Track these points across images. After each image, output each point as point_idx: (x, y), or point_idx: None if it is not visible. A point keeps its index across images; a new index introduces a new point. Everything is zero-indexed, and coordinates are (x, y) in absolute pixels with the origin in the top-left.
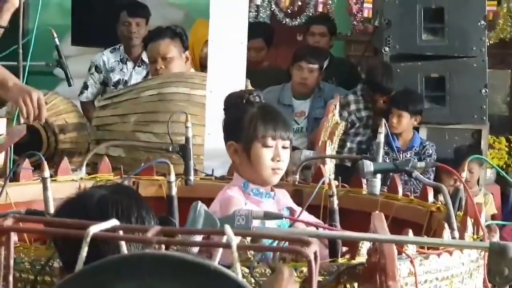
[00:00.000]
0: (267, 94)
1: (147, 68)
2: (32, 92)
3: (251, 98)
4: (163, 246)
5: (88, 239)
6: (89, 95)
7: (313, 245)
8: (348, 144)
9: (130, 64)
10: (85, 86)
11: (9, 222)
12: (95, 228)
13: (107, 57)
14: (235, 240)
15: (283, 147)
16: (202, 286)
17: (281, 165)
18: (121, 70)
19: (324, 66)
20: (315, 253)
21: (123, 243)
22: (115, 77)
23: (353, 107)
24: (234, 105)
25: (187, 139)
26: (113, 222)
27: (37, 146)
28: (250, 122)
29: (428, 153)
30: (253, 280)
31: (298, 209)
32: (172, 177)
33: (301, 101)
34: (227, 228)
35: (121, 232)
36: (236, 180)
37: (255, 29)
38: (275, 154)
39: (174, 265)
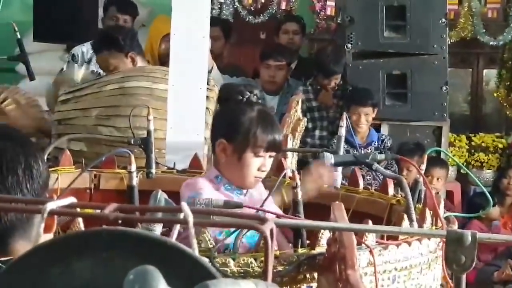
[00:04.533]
0: (243, 82)
1: None
2: None
3: (251, 97)
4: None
5: (45, 215)
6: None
7: (270, 222)
8: (309, 140)
9: None
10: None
11: None
12: (52, 205)
13: (86, 48)
14: (192, 217)
15: (270, 156)
16: (159, 261)
17: (264, 174)
18: (96, 62)
19: (293, 65)
20: (271, 230)
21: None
22: (90, 68)
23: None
24: (233, 101)
25: (148, 132)
26: (70, 200)
27: None
28: (248, 127)
29: (387, 146)
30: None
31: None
32: (133, 167)
33: (271, 97)
34: (184, 205)
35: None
36: (210, 173)
37: (211, 20)
38: (262, 164)
39: (130, 241)
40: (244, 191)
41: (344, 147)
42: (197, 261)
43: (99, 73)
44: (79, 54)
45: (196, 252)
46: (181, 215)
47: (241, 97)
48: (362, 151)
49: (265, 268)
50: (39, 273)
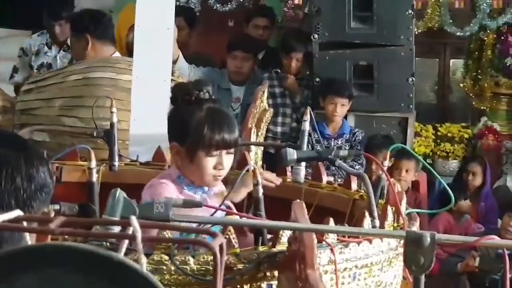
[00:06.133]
0: (209, 72)
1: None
2: None
3: (200, 95)
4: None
5: None
6: (18, 79)
7: (219, 237)
8: (271, 127)
9: (55, 49)
10: (15, 70)
11: None
12: None
13: (34, 41)
14: (140, 232)
15: (227, 153)
16: (106, 277)
17: (223, 172)
18: (45, 53)
19: (260, 55)
20: (220, 246)
21: (26, 233)
22: (39, 60)
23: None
24: (181, 102)
25: (111, 124)
26: (17, 213)
27: None
28: (196, 128)
29: (358, 139)
30: (173, 268)
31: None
32: (93, 163)
33: (238, 87)
34: (133, 219)
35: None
36: (172, 172)
37: (175, 9)
38: (218, 163)
39: (77, 256)
40: (206, 189)
41: (315, 137)
42: (145, 277)
43: (49, 63)
44: (27, 48)
45: (144, 268)
46: (130, 230)
47: (189, 97)
48: (333, 142)
49: (214, 284)
50: None
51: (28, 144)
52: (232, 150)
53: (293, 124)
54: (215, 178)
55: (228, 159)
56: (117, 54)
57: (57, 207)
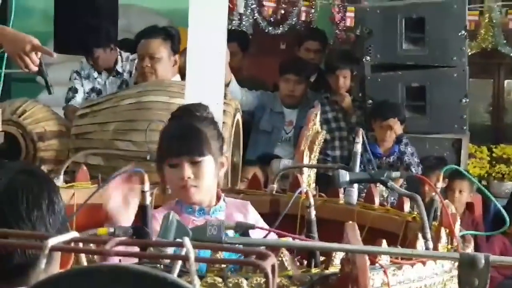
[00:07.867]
0: (262, 96)
1: (121, 77)
2: (26, 44)
3: (175, 113)
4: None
5: (47, 251)
6: (79, 99)
7: (271, 258)
8: (330, 152)
9: (104, 74)
10: (74, 90)
11: None
12: (54, 240)
13: (84, 65)
14: (193, 253)
15: (192, 163)
16: None
17: (191, 182)
18: (95, 78)
19: (312, 77)
20: (272, 266)
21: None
22: (89, 85)
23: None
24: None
25: None
26: (72, 234)
27: (15, 154)
28: (158, 145)
29: (409, 151)
30: None
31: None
32: (146, 186)
33: (291, 110)
34: (186, 240)
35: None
36: (173, 197)
37: (229, 34)
38: (181, 173)
39: (131, 277)
40: (208, 210)
41: (366, 157)
42: None
43: (99, 89)
44: (80, 71)
45: None
46: (183, 251)
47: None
48: (384, 160)
49: None
50: None
51: (44, 172)
52: (198, 159)
53: (351, 146)
54: (185, 189)
55: (194, 169)
56: (178, 77)
57: (111, 229)
